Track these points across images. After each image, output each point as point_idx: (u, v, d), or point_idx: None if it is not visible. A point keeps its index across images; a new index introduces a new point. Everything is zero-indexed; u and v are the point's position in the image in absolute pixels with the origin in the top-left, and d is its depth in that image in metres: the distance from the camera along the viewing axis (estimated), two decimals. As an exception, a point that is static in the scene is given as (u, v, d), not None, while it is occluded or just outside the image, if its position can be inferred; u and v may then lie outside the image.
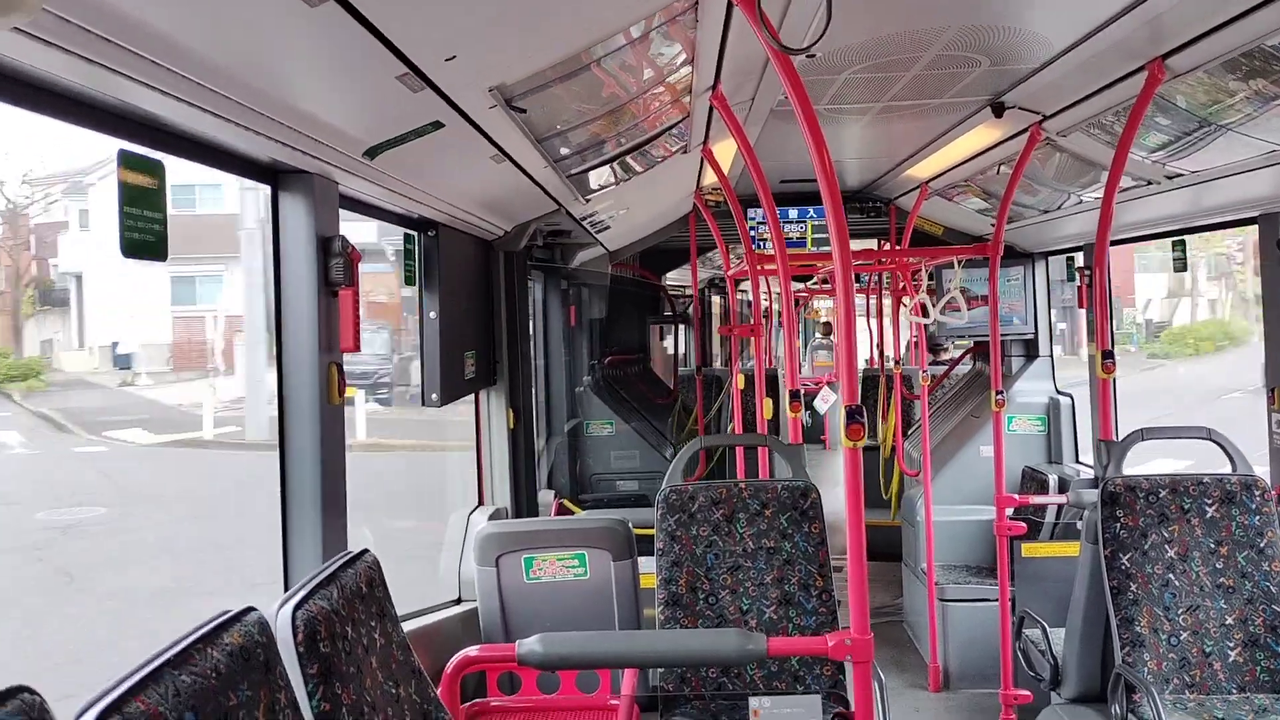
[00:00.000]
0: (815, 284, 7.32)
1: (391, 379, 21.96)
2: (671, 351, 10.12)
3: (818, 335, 19.74)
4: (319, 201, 2.61)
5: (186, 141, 2.15)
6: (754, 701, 2.70)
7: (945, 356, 10.25)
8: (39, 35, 1.48)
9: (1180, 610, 3.47)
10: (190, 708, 1.59)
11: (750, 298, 10.10)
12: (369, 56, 1.99)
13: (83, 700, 1.46)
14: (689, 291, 12.03)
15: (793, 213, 6.79)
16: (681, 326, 9.77)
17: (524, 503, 4.92)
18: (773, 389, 5.39)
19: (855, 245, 7.17)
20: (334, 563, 2.41)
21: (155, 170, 1.99)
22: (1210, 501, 3.55)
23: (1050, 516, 5.61)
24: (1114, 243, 5.41)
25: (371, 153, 2.61)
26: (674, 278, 10.48)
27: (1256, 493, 3.54)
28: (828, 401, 6.60)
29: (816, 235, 6.87)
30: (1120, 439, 3.87)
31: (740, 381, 6.12)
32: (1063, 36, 3.18)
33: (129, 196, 1.92)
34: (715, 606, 3.64)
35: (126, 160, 1.92)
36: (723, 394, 8.49)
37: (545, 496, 5.74)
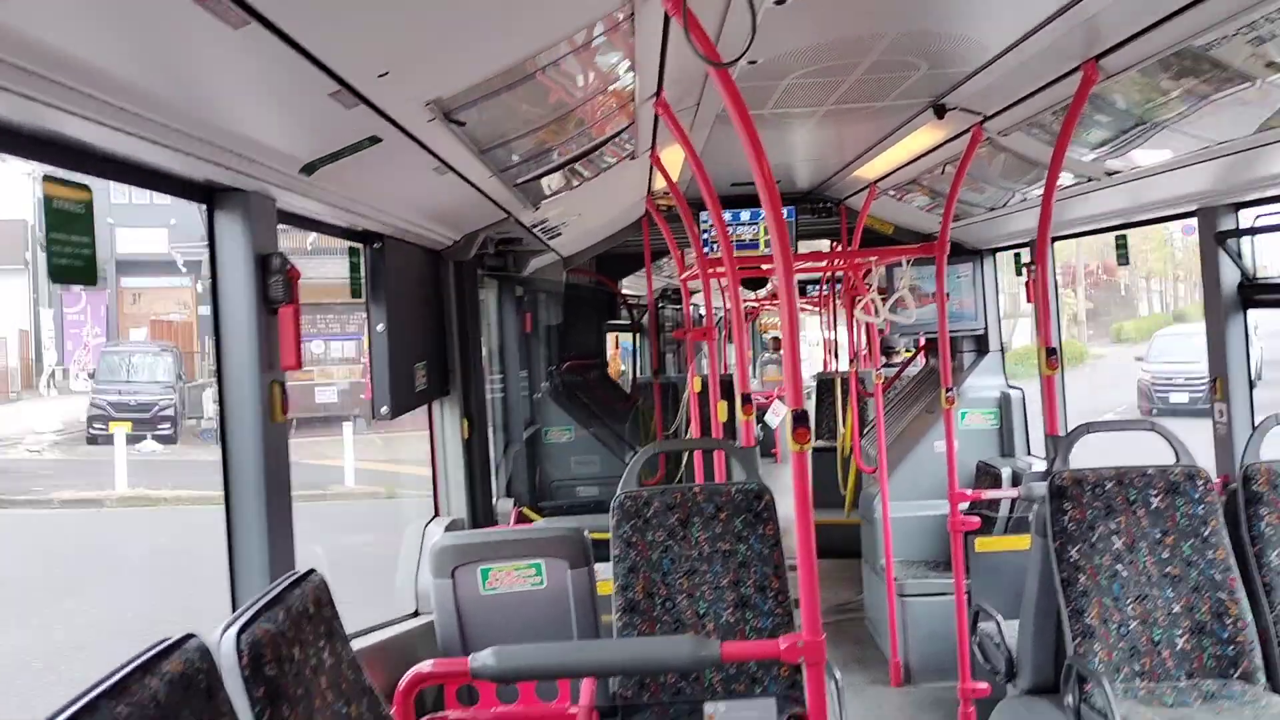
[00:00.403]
0: (764, 297, 7.34)
1: (176, 412, 18.87)
2: (628, 360, 10.12)
3: (765, 351, 19.76)
4: (256, 219, 2.58)
5: (115, 164, 2.11)
6: (709, 707, 2.71)
7: (897, 359, 10.36)
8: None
9: (1129, 600, 3.53)
10: None
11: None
12: (299, 75, 1.97)
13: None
14: (644, 301, 12.06)
15: (745, 215, 6.81)
16: (636, 334, 9.76)
17: (481, 512, 4.89)
18: (728, 393, 5.41)
19: (807, 246, 7.23)
20: (279, 584, 2.39)
21: (81, 194, 1.96)
22: (1155, 492, 3.61)
23: (1004, 510, 5.68)
24: (1057, 238, 5.50)
25: (309, 169, 2.59)
26: (630, 286, 10.48)
27: (1199, 483, 3.60)
28: (779, 415, 6.62)
29: (769, 237, 6.90)
30: (1066, 433, 3.93)
31: (696, 385, 6.14)
32: (999, 39, 3.23)
33: (55, 221, 1.88)
34: (672, 611, 3.64)
35: (51, 184, 1.88)
36: (683, 401, 8.53)
37: (505, 505, 5.71)
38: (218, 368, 2.60)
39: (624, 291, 9.92)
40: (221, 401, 2.60)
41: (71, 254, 1.90)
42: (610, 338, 11.09)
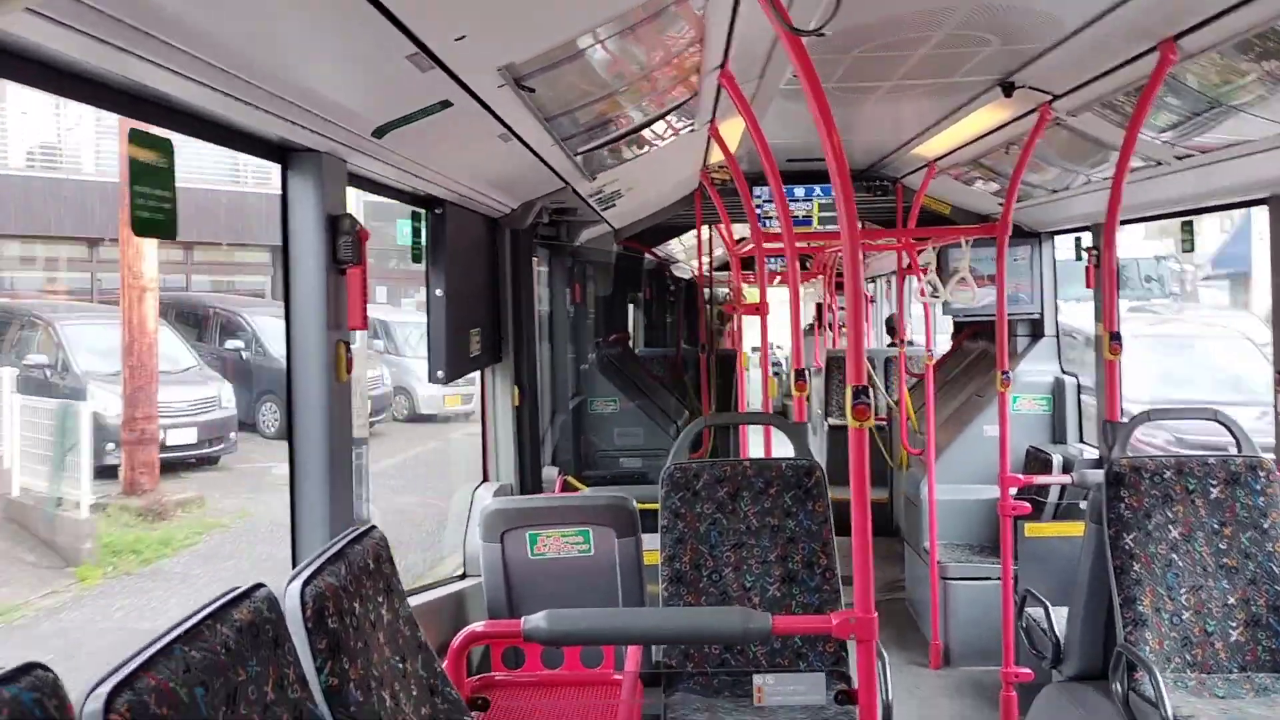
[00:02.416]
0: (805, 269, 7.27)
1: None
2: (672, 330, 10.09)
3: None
4: (327, 180, 2.61)
5: (196, 120, 2.15)
6: (758, 679, 2.73)
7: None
8: (51, 15, 1.48)
9: (1183, 590, 3.49)
10: (200, 683, 1.61)
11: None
12: (379, 36, 1.98)
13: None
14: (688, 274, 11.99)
15: (798, 191, 6.76)
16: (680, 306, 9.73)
17: (528, 479, 4.94)
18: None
19: (863, 224, 7.15)
20: (342, 539, 2.43)
21: (164, 148, 1.99)
22: (1215, 482, 3.56)
23: (1053, 496, 5.63)
24: (1122, 223, 5.39)
25: (380, 132, 2.61)
26: (674, 255, 10.42)
27: (1261, 474, 3.55)
28: None
29: (823, 214, 6.84)
30: (1127, 420, 3.87)
31: (745, 361, 6.14)
32: (1075, 16, 3.16)
33: (138, 174, 1.92)
34: (719, 584, 3.66)
35: (136, 138, 1.92)
36: (732, 375, 8.52)
37: (549, 473, 5.76)
38: (286, 326, 2.64)
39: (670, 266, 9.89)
40: (289, 359, 2.64)
41: (154, 207, 1.94)
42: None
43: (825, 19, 2.11)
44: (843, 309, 11.72)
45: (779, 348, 14.71)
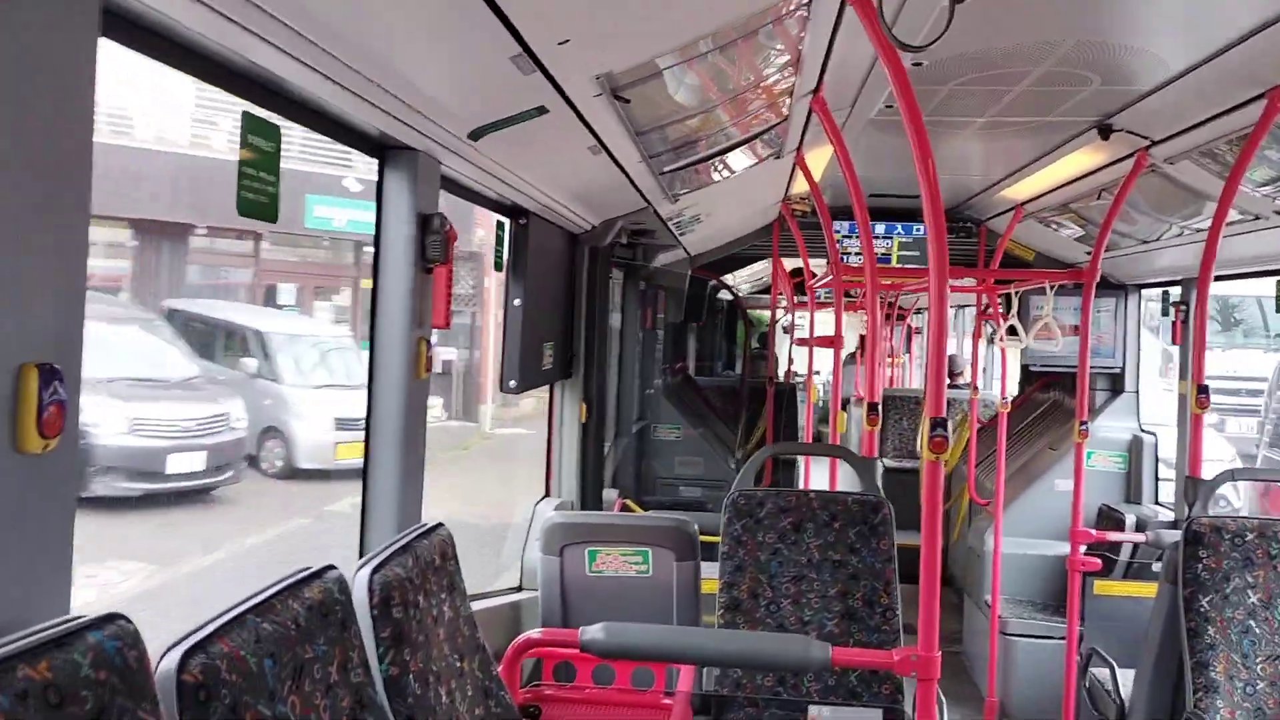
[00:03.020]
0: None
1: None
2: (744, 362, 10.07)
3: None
4: (422, 179, 2.65)
5: (303, 108, 2.20)
6: (814, 710, 2.68)
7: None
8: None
9: (1259, 659, 3.34)
10: (269, 654, 1.62)
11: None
12: (486, 33, 2.01)
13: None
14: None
15: (879, 228, 6.70)
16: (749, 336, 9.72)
17: (590, 497, 4.94)
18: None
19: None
20: (410, 533, 2.45)
21: (272, 134, 2.05)
22: None
23: (1124, 555, 5.46)
24: (1218, 279, 5.25)
25: (476, 134, 2.65)
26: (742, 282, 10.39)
27: None
28: None
29: (902, 253, 6.77)
30: (1210, 479, 3.74)
31: (814, 394, 6.07)
32: (1180, 58, 3.10)
33: (247, 158, 1.97)
34: (776, 615, 3.61)
35: (248, 123, 1.97)
36: (796, 407, 8.44)
37: (609, 495, 5.75)
38: (371, 322, 2.68)
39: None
40: (372, 355, 2.68)
41: (259, 190, 1.99)
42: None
43: (933, 38, 2.09)
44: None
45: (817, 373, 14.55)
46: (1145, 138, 3.89)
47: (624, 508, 6.26)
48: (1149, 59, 3.13)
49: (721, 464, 7.33)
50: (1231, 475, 3.74)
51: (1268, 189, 3.86)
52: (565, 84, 2.45)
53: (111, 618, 1.31)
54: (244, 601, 1.69)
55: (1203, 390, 3.70)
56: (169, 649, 1.48)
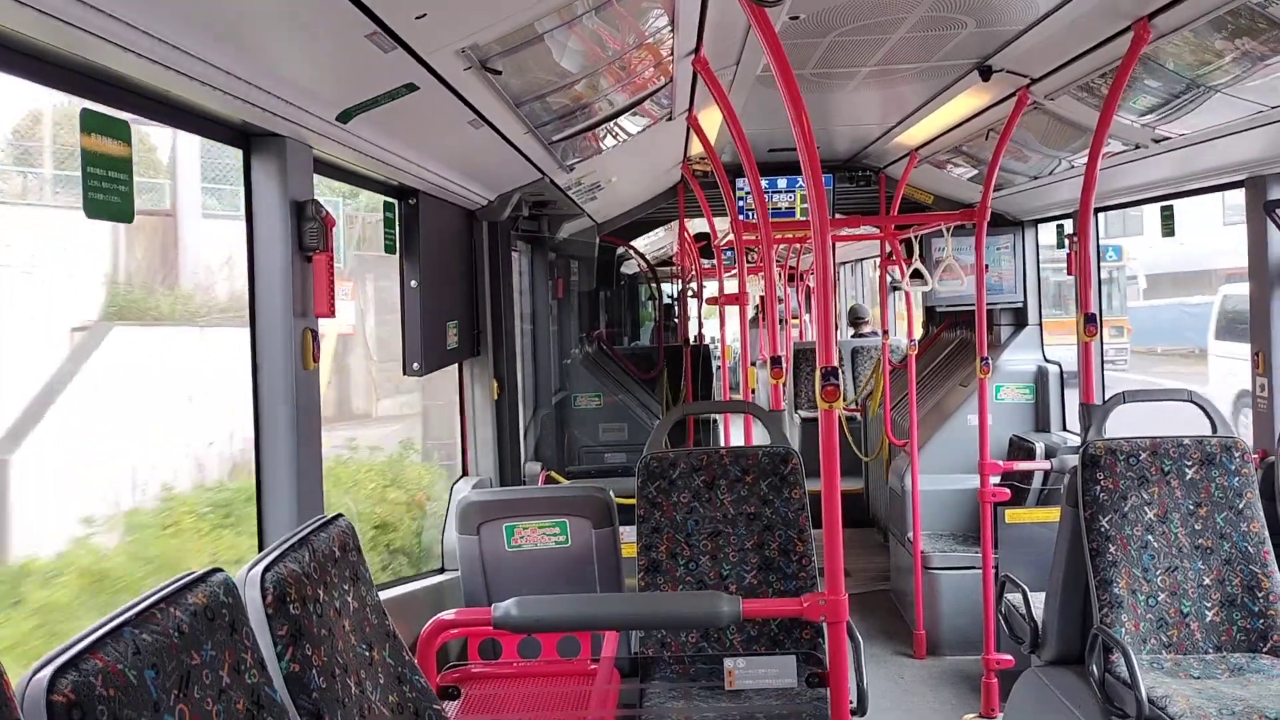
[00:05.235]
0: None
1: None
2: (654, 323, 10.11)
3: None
4: (292, 165, 2.58)
5: (155, 102, 2.12)
6: (729, 662, 2.70)
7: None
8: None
9: (1159, 571, 3.48)
10: (151, 665, 1.58)
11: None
12: (337, 12, 1.96)
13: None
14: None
15: (781, 182, 6.74)
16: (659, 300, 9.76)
17: (509, 473, 4.92)
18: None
19: (844, 215, 7.15)
20: (306, 527, 2.41)
21: (120, 131, 1.96)
22: (1190, 463, 3.55)
23: (1037, 483, 5.63)
24: (1102, 209, 5.39)
25: (345, 116, 2.58)
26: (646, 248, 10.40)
27: (1236, 454, 3.54)
28: None
29: (805, 205, 6.83)
30: (1102, 402, 3.87)
31: (729, 355, 6.13)
32: (1047, -3, 3.15)
33: (92, 157, 1.89)
34: (695, 572, 3.65)
35: (90, 121, 1.88)
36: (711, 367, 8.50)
37: (532, 468, 5.74)
38: (250, 313, 2.61)
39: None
40: (253, 347, 2.62)
41: (108, 190, 1.91)
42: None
43: (784, -9, 2.09)
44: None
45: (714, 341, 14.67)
46: (1024, 76, 3.96)
47: (548, 479, 6.26)
48: (1016, -1, 3.18)
49: (646, 429, 7.36)
50: (1123, 397, 3.87)
51: (1149, 118, 3.96)
52: (430, 59, 2.40)
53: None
54: (119, 614, 1.64)
55: (1090, 320, 3.81)
56: (35, 670, 1.43)
